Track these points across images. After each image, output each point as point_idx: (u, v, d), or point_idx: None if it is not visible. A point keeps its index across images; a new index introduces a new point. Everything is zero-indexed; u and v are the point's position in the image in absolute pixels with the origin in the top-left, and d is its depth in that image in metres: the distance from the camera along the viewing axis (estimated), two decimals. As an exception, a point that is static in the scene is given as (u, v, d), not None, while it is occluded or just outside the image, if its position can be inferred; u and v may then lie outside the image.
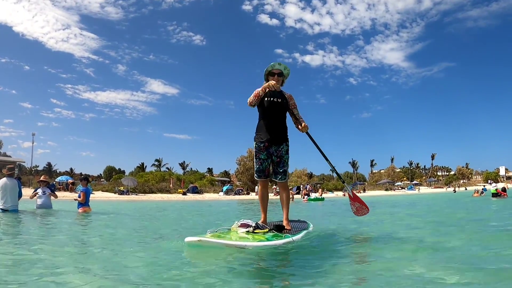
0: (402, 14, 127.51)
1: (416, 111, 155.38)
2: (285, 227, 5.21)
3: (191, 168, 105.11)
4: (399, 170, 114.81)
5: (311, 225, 6.08)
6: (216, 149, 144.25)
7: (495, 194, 23.90)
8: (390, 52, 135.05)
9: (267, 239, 4.44)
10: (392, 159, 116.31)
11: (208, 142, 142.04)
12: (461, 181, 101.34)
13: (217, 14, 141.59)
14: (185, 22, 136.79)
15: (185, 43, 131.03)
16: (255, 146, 5.41)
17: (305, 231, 5.31)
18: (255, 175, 5.46)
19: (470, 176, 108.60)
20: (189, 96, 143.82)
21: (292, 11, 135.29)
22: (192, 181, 67.19)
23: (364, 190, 70.98)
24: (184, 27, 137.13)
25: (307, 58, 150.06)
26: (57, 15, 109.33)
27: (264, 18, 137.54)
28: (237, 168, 76.05)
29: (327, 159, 6.01)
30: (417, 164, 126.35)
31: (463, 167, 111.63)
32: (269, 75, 5.54)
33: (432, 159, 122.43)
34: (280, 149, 5.39)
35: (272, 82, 5.29)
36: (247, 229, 4.83)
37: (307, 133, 5.60)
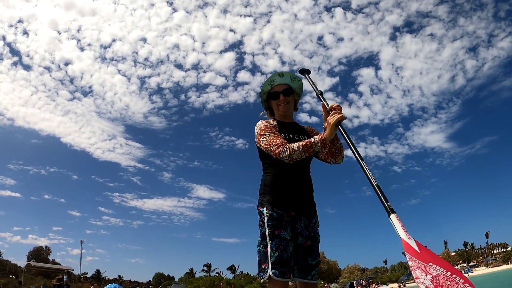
0: (437, 96, 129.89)
1: (464, 190, 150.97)
2: None
3: (241, 271, 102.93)
4: (453, 253, 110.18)
5: None
6: None
7: None
8: (431, 135, 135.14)
9: None
10: (445, 243, 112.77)
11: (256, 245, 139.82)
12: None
13: (257, 117, 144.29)
14: (227, 127, 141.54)
15: (228, 148, 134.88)
16: (269, 216, 2.91)
17: None
18: (271, 271, 2.79)
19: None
20: (236, 200, 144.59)
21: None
22: (243, 285, 66.31)
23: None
24: (226, 132, 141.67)
25: (349, 152, 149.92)
26: (103, 126, 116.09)
27: (304, 117, 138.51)
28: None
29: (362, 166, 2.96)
30: (472, 244, 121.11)
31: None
32: (269, 98, 3.23)
33: (487, 238, 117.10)
34: (312, 224, 3.08)
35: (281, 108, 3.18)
36: None
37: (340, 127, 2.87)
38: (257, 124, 3.10)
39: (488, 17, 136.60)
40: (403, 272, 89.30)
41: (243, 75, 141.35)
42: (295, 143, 2.84)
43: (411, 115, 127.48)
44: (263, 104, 3.33)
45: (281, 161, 2.95)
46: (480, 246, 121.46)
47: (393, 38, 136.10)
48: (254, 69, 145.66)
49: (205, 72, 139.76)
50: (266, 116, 3.32)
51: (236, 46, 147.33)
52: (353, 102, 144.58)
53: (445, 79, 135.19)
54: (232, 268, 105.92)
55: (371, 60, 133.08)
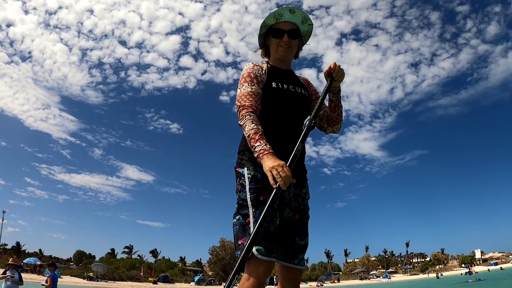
0: (375, 105, 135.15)
1: (390, 199, 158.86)
2: None
3: (163, 257, 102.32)
4: (374, 258, 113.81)
5: None
6: (189, 238, 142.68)
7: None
8: (363, 142, 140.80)
9: None
10: (366, 248, 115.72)
11: (181, 231, 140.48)
12: (437, 266, 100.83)
13: (195, 103, 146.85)
14: (163, 110, 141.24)
15: (162, 131, 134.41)
16: (251, 177, 2.41)
17: None
18: (254, 247, 2.21)
19: (446, 261, 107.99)
20: (164, 184, 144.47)
21: None
22: (164, 270, 65.82)
23: (338, 280, 69.85)
24: (162, 115, 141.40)
25: None
26: (38, 94, 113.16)
27: None
28: (209, 258, 74.49)
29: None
30: (392, 252, 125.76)
31: (438, 252, 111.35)
32: (270, 35, 2.68)
33: (407, 246, 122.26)
34: (303, 195, 2.61)
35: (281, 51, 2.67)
36: None
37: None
38: (245, 66, 2.66)
39: (434, 37, 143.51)
40: (323, 272, 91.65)
41: (186, 60, 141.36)
42: (250, 126, 2.32)
43: (346, 121, 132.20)
44: (259, 39, 2.77)
45: (269, 111, 2.53)
46: (400, 254, 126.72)
47: (339, 43, 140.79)
48: (198, 56, 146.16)
49: (148, 52, 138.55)
50: (260, 55, 2.83)
51: (183, 30, 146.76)
52: None
53: (384, 90, 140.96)
54: (154, 252, 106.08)
55: (314, 62, 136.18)
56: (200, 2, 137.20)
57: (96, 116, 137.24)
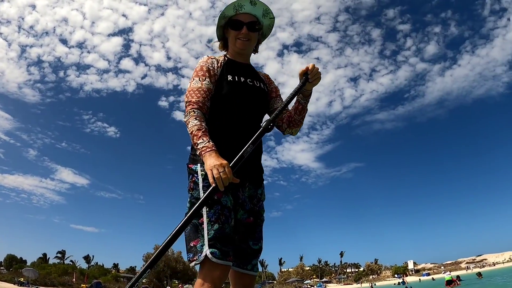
0: (313, 117, 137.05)
1: (326, 210, 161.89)
2: None
3: (97, 262, 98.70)
4: (308, 268, 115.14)
5: None
6: (123, 244, 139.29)
7: (449, 282, 24.37)
8: (300, 153, 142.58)
9: None
10: (301, 257, 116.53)
11: (115, 236, 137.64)
12: (371, 276, 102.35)
13: (133, 107, 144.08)
14: (101, 112, 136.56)
15: (99, 134, 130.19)
16: (205, 175, 2.20)
17: None
18: (208, 249, 2.10)
19: (379, 271, 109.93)
20: (99, 188, 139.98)
21: None
22: (97, 276, 64.02)
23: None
24: (100, 117, 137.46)
25: None
26: None
27: (179, 115, 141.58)
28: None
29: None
30: (326, 261, 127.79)
31: (371, 262, 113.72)
32: (229, 26, 2.54)
33: (341, 257, 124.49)
34: (259, 195, 2.46)
35: (240, 43, 2.52)
36: None
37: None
38: (199, 60, 2.55)
39: (374, 53, 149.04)
40: (257, 281, 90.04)
41: (127, 63, 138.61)
42: (193, 122, 2.22)
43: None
44: (217, 30, 2.64)
45: (224, 105, 2.41)
46: (334, 264, 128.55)
47: (280, 54, 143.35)
48: (139, 59, 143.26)
49: (89, 52, 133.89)
50: (218, 47, 2.70)
51: (125, 32, 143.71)
52: None
53: (323, 102, 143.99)
54: (87, 258, 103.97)
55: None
56: (145, 5, 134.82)
57: (32, 116, 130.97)
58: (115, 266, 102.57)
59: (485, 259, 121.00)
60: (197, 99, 2.30)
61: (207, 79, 2.38)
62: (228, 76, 2.44)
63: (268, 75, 2.75)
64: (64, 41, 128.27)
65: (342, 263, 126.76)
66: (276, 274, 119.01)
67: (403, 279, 55.67)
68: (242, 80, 2.47)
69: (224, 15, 2.53)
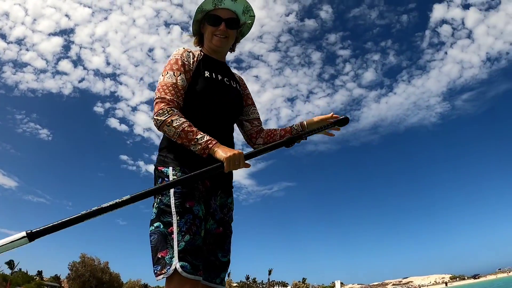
0: None
1: (256, 227, 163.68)
2: None
3: (20, 269, 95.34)
4: (235, 284, 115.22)
5: None
6: (48, 251, 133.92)
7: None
8: None
9: None
10: (229, 273, 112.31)
11: (40, 243, 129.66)
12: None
13: (68, 111, 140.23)
14: (35, 113, 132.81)
15: (31, 135, 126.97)
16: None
17: None
18: (178, 263, 1.90)
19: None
20: (27, 191, 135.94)
21: (142, 120, 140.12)
22: (20, 283, 62.73)
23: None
24: (33, 118, 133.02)
25: (151, 168, 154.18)
26: None
27: (113, 122, 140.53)
28: (68, 274, 71.20)
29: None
30: (254, 278, 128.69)
31: (299, 281, 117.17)
32: (206, 21, 2.40)
33: (269, 274, 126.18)
34: (229, 205, 2.39)
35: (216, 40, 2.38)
36: None
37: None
38: (174, 51, 2.35)
39: (313, 75, 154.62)
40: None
41: (65, 65, 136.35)
42: (179, 120, 2.05)
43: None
44: (193, 25, 2.46)
45: (199, 103, 2.24)
46: (262, 281, 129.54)
47: None
48: (78, 62, 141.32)
49: (27, 50, 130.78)
50: (193, 43, 2.53)
51: (66, 33, 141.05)
52: None
53: None
54: (10, 264, 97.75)
55: None
56: (89, 7, 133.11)
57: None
58: (39, 273, 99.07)
59: (411, 282, 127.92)
60: (171, 97, 2.11)
61: (182, 75, 2.20)
62: (205, 72, 2.27)
63: (243, 79, 2.61)
64: (3, 36, 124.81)
65: (270, 280, 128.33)
66: None
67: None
68: (219, 78, 2.32)
69: (202, 9, 2.36)
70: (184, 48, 2.34)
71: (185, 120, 2.06)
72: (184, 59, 2.26)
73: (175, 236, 1.95)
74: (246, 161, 2.04)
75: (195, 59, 2.32)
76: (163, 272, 1.91)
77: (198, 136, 2.02)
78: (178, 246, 1.93)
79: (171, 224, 1.98)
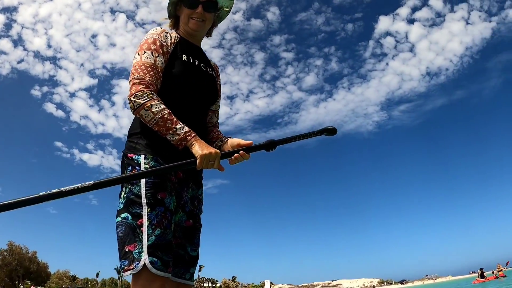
0: None
1: None
2: None
3: None
4: None
5: None
6: None
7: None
8: None
9: None
10: None
11: None
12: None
13: (3, 91, 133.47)
14: None
15: None
16: (149, 169, 1.97)
17: None
18: (147, 258, 1.80)
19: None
20: None
21: (79, 107, 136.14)
22: None
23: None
24: None
25: (86, 157, 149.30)
26: None
27: (50, 107, 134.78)
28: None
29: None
30: None
31: (229, 279, 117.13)
32: (183, 3, 2.27)
33: (199, 271, 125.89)
34: (199, 197, 2.28)
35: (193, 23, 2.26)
36: None
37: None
38: (150, 31, 2.19)
39: (254, 75, 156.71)
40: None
41: (5, 44, 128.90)
42: (159, 106, 1.93)
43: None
44: (169, 6, 2.32)
45: (179, 86, 2.12)
46: None
47: None
48: (18, 42, 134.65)
49: None
50: (168, 26, 2.37)
51: (9, 11, 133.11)
52: (103, 109, 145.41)
53: None
54: None
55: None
56: None
57: None
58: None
59: (340, 284, 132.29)
60: (151, 79, 1.99)
61: (160, 56, 2.08)
62: (183, 55, 2.17)
63: (218, 67, 2.52)
64: None
65: (200, 277, 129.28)
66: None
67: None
68: (196, 62, 2.23)
69: None
70: (161, 28, 2.22)
71: (165, 107, 1.95)
72: (162, 40, 2.14)
73: (144, 229, 1.85)
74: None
75: (173, 40, 2.20)
76: (131, 267, 1.80)
77: (178, 126, 1.93)
78: (147, 240, 1.83)
79: (140, 216, 1.87)
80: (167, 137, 1.92)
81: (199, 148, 1.88)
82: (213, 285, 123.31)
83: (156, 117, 1.91)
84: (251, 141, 2.10)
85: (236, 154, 2.02)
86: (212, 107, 2.41)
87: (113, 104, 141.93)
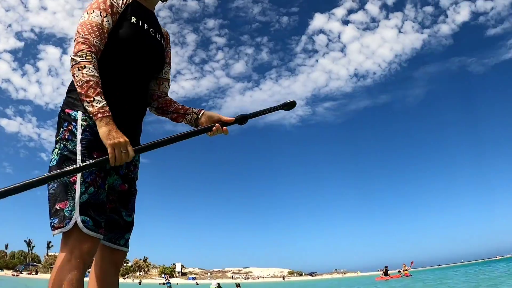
0: None
1: None
2: None
3: None
4: None
5: None
6: None
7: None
8: None
9: None
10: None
11: None
12: (138, 273, 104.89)
13: None
14: None
15: None
16: (86, 126, 1.88)
17: None
18: (79, 217, 1.73)
19: (147, 269, 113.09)
20: None
21: (2, 69, 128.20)
22: None
23: (36, 272, 66.98)
24: None
25: (4, 122, 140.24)
26: None
27: None
28: None
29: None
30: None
31: (140, 259, 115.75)
32: None
33: None
34: (135, 161, 2.22)
35: None
36: None
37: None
38: None
39: (184, 56, 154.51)
40: (21, 261, 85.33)
41: None
42: (92, 71, 1.81)
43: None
44: None
45: (125, 50, 2.01)
46: None
47: None
48: None
49: None
50: None
51: None
52: (27, 74, 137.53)
53: None
54: None
55: (62, 42, 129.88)
56: None
57: None
58: None
59: (251, 272, 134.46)
60: (94, 41, 1.89)
61: (109, 17, 1.97)
62: (132, 17, 2.05)
63: (169, 34, 2.42)
64: None
65: None
66: (42, 257, 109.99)
67: (167, 279, 60.13)
68: (145, 26, 2.11)
69: None
70: None
71: (98, 76, 1.84)
72: (111, 2, 2.01)
73: (77, 186, 1.77)
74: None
75: (124, 1, 2.07)
76: (61, 225, 1.72)
77: (96, 98, 1.79)
78: (80, 199, 1.75)
79: (74, 174, 1.77)
80: (83, 103, 1.82)
81: (107, 134, 1.78)
82: (125, 265, 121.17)
83: (83, 80, 1.79)
84: (232, 118, 2.17)
85: (214, 128, 2.10)
86: (164, 75, 2.35)
87: (37, 69, 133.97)
